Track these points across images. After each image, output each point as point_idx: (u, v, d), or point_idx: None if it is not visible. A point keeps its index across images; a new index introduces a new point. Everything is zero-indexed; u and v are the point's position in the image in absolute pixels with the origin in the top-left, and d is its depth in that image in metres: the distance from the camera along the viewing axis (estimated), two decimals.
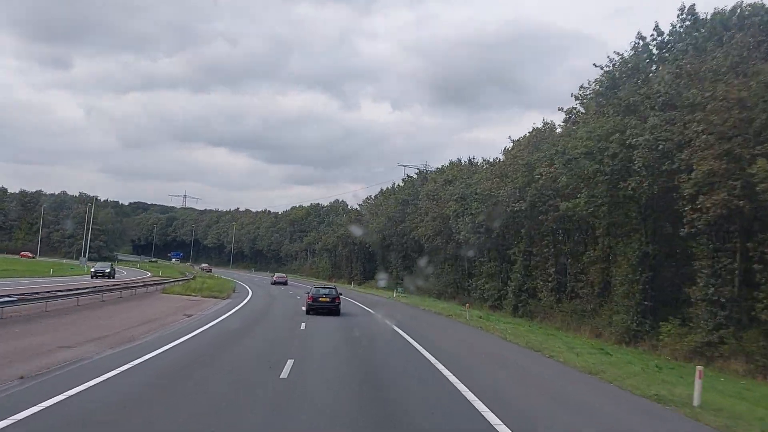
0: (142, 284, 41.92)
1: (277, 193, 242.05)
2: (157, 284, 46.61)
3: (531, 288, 38.40)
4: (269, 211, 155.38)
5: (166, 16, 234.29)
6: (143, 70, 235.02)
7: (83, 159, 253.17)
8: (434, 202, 55.98)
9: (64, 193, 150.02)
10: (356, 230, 75.86)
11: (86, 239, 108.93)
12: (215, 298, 39.08)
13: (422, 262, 55.59)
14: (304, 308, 30.32)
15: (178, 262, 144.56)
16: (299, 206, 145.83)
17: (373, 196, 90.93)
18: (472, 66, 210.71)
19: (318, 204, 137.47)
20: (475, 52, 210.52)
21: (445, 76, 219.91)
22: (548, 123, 40.47)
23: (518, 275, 39.27)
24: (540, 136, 38.49)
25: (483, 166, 55.52)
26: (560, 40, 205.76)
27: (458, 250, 49.56)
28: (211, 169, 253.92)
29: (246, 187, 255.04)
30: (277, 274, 77.60)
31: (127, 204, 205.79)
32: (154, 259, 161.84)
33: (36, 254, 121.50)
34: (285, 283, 69.07)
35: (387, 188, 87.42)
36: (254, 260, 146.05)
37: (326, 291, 31.03)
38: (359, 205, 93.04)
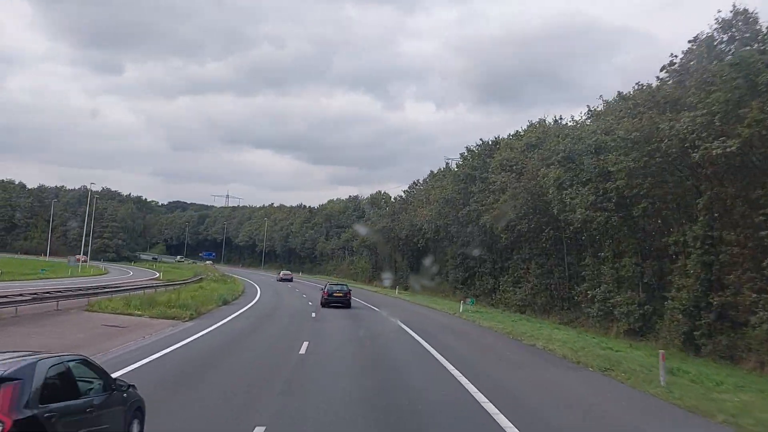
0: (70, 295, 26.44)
1: (321, 193, 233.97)
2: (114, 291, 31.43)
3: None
4: (304, 205, 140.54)
5: (213, 20, 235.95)
6: (191, 74, 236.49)
7: (135, 162, 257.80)
8: (516, 175, 38.97)
9: (84, 188, 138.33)
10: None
11: (86, 235, 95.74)
12: (174, 319, 23.39)
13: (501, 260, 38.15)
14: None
15: (211, 263, 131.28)
16: (336, 199, 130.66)
17: (421, 180, 74.51)
18: (517, 63, 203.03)
19: (357, 196, 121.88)
20: (519, 50, 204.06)
21: (489, 74, 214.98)
22: None
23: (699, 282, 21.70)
24: None
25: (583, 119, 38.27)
26: (607, 35, 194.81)
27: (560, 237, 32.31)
28: (255, 171, 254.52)
29: (289, 188, 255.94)
30: (283, 272, 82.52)
31: (166, 203, 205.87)
32: (182, 258, 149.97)
33: (46, 254, 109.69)
34: (291, 280, 72.67)
35: (439, 169, 71.06)
36: (287, 260, 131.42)
37: (339, 287, 37.44)
38: (404, 192, 76.62)
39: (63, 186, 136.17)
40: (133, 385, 7.26)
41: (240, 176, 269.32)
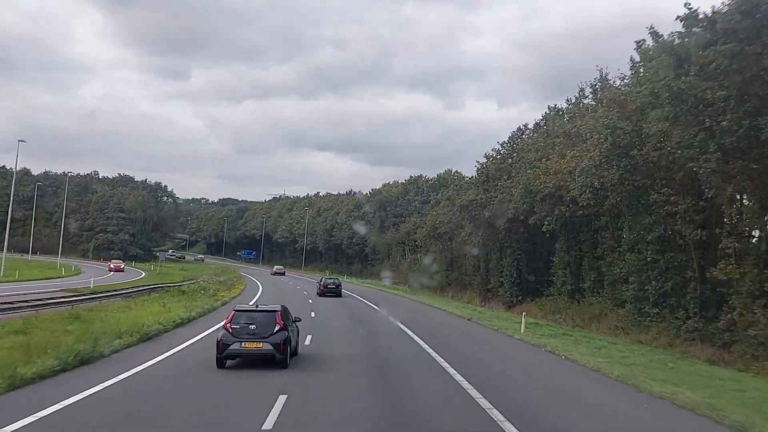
0: None
1: None
2: None
3: None
4: (353, 191, 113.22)
5: (276, 24, 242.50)
6: (256, 78, 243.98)
7: (200, 166, 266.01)
8: None
9: (95, 173, 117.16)
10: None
11: (63, 224, 72.77)
12: None
13: None
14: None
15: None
16: (393, 182, 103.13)
17: (501, 143, 46.38)
18: (582, 58, 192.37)
19: (420, 176, 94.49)
20: (585, 44, 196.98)
21: (553, 70, 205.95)
22: None
23: None
24: None
25: None
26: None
27: None
28: (316, 173, 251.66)
29: (349, 189, 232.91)
30: (276, 267, 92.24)
31: (216, 201, 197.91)
32: (200, 257, 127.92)
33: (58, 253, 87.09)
34: (283, 274, 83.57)
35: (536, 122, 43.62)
36: (333, 259, 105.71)
37: (332, 281, 47.99)
38: (482, 161, 47.78)
39: (69, 172, 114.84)
40: (299, 319, 17.45)
41: (301, 179, 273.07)
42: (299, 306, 30.30)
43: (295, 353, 15.83)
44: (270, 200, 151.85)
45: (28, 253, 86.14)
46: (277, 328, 14.50)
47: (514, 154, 43.04)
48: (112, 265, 71.50)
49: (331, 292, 44.35)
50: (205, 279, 48.55)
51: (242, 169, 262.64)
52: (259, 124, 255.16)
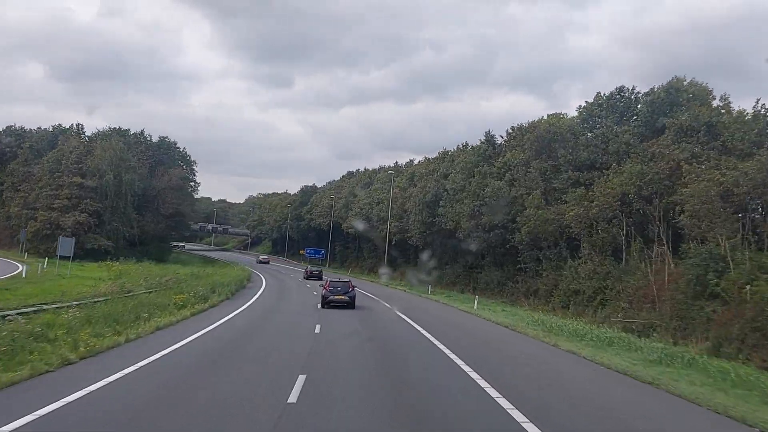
0: None
1: None
2: None
3: None
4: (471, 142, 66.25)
5: (377, 28, 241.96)
6: (355, 84, 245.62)
7: (301, 171, 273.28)
8: None
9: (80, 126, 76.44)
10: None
11: None
12: None
13: None
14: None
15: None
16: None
17: None
18: (697, 54, 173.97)
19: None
20: (700, 39, 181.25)
21: (664, 68, 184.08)
22: None
23: None
24: None
25: None
26: None
27: None
28: None
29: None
30: (261, 256, 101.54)
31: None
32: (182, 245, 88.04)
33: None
34: (268, 263, 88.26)
35: None
36: (441, 254, 59.36)
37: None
38: None
39: (39, 127, 75.89)
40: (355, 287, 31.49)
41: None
42: None
43: (353, 306, 29.41)
44: (344, 177, 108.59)
45: None
46: (350, 289, 30.03)
47: None
48: None
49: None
50: None
51: (340, 175, 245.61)
52: (356, 129, 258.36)
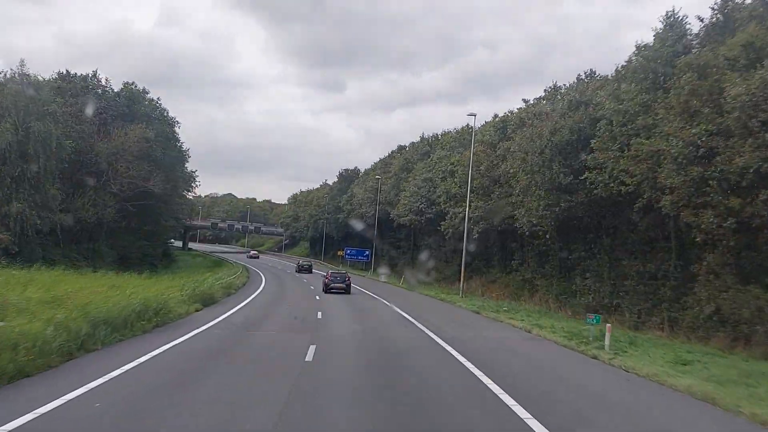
0: None
1: None
2: None
3: None
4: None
5: (430, 29, 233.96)
6: (407, 86, 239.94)
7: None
8: None
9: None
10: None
11: None
12: None
13: None
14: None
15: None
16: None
17: None
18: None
19: None
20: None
21: None
22: None
23: None
24: None
25: None
26: None
27: None
28: None
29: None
30: (251, 251, 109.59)
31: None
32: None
33: None
34: (257, 257, 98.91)
35: None
36: (517, 252, 36.29)
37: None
38: None
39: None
40: (349, 276, 41.60)
41: None
42: None
43: (349, 292, 38.13)
44: (388, 156, 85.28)
45: None
46: (347, 279, 39.22)
47: None
48: None
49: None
50: None
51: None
52: (408, 131, 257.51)
